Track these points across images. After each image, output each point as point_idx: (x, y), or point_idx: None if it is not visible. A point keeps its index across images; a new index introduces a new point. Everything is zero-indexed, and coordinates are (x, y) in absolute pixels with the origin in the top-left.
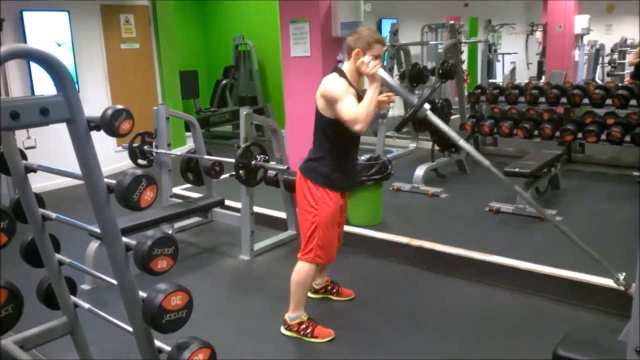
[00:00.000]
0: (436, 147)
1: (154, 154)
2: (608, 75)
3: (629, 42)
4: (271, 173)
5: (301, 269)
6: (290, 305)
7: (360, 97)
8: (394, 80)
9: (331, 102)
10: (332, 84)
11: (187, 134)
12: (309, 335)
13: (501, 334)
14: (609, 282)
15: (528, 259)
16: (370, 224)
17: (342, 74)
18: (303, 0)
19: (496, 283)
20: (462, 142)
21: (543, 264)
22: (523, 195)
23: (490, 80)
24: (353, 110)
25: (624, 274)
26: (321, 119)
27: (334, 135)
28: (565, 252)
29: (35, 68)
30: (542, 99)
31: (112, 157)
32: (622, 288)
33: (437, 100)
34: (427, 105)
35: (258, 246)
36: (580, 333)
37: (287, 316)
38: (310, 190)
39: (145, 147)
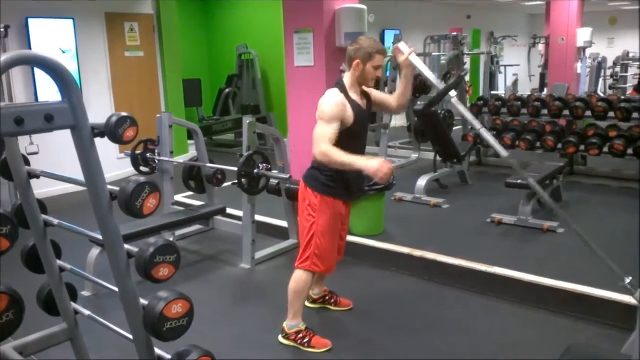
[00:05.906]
0: (438, 158)
1: (157, 161)
2: (610, 88)
3: (631, 55)
4: (273, 182)
5: (298, 277)
6: (289, 314)
7: (360, 107)
8: (425, 68)
9: (318, 116)
10: (328, 101)
11: (190, 142)
12: (307, 344)
13: (502, 346)
14: (611, 294)
15: (530, 271)
16: (371, 234)
17: (342, 89)
18: (307, 11)
19: (498, 295)
20: (483, 131)
21: (545, 276)
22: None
23: (493, 92)
24: (325, 141)
25: (630, 278)
26: None
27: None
28: (568, 265)
29: (39, 74)
30: (545, 111)
31: (114, 164)
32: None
33: (440, 111)
34: (452, 93)
35: (259, 255)
36: (583, 346)
37: (286, 325)
38: (309, 198)
39: (148, 154)
